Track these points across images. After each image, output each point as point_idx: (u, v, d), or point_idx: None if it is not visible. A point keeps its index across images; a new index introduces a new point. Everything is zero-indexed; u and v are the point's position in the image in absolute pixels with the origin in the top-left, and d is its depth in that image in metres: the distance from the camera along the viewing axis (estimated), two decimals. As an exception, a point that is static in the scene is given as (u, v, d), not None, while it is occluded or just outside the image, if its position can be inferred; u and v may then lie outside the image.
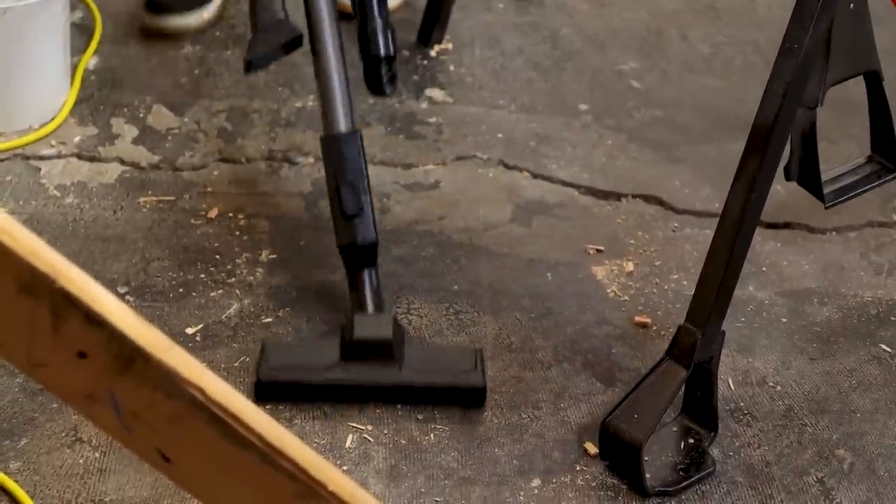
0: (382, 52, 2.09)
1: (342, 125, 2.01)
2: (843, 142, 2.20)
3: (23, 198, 2.18)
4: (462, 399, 1.88)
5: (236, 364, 1.90)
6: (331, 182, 1.99)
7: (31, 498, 1.68)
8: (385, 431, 1.82)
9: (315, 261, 2.10)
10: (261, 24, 2.07)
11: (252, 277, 2.05)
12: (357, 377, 1.88)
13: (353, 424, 1.82)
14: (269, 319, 1.99)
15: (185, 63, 2.53)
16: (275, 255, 2.10)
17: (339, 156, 2.00)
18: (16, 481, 1.70)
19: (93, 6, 2.61)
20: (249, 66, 2.08)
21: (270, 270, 2.07)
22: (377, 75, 2.11)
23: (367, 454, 1.78)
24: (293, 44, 2.07)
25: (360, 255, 1.95)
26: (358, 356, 1.88)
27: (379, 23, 2.08)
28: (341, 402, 1.85)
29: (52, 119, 2.33)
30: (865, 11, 1.79)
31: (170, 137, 2.34)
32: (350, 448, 1.78)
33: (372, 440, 1.79)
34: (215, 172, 2.26)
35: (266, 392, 1.86)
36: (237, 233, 2.13)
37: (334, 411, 1.83)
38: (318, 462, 1.23)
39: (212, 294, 2.01)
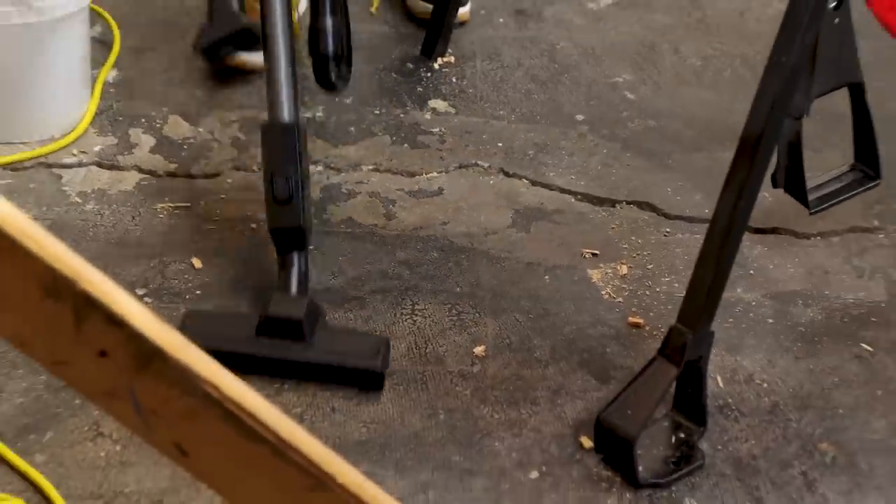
0: (330, 50, 2.14)
1: (284, 115, 2.02)
2: (827, 151, 2.20)
3: (46, 204, 2.19)
4: (361, 381, 1.90)
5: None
6: (266, 168, 2.00)
7: (56, 489, 1.68)
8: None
9: (322, 262, 2.10)
10: (215, 15, 2.07)
11: (261, 278, 2.05)
12: (264, 351, 1.90)
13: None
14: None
15: (199, 75, 2.53)
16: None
17: (277, 144, 2.01)
18: (41, 473, 1.70)
19: (111, 21, 2.61)
20: (204, 52, 2.08)
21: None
22: (325, 72, 2.15)
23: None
24: (243, 36, 2.08)
25: (288, 239, 1.97)
26: (270, 332, 1.89)
27: (329, 21, 2.10)
28: (249, 374, 1.83)
29: (74, 129, 2.34)
30: (849, 26, 1.79)
31: (185, 147, 2.35)
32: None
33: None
34: (229, 180, 2.27)
35: None
36: (249, 236, 2.13)
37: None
38: (328, 455, 1.23)
39: (226, 294, 2.02)
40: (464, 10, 2.69)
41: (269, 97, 2.04)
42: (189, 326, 1.91)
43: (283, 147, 2.01)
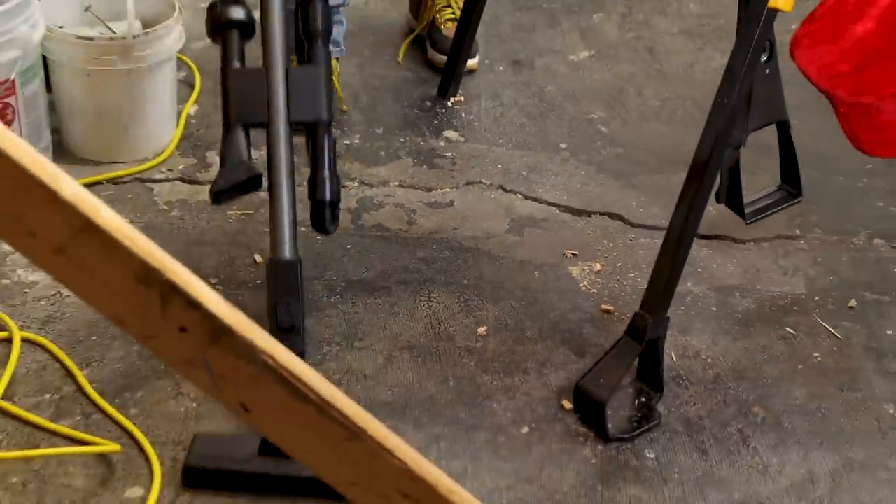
0: (328, 197, 1.90)
1: (286, 252, 1.81)
2: (759, 174, 2.19)
3: (139, 211, 2.19)
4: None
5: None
6: (270, 299, 1.78)
7: (145, 436, 1.69)
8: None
9: (357, 259, 2.10)
10: (227, 161, 1.86)
11: (307, 266, 2.02)
12: (270, 469, 1.66)
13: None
14: (323, 301, 2.00)
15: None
16: (323, 254, 2.10)
17: (280, 278, 1.80)
18: (134, 424, 1.71)
19: (193, 67, 2.61)
20: (214, 197, 1.87)
21: (324, 267, 2.08)
22: (321, 217, 1.91)
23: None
24: (252, 183, 1.87)
25: None
26: (274, 451, 1.52)
27: (327, 173, 1.89)
28: (258, 492, 1.65)
29: (163, 152, 2.33)
30: (778, 76, 1.79)
31: (250, 166, 2.34)
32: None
33: (401, 396, 1.78)
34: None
35: (191, 478, 1.65)
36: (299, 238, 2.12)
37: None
38: (361, 413, 1.22)
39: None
40: (473, 62, 2.68)
41: (273, 236, 1.84)
42: (201, 451, 1.68)
43: (286, 281, 1.80)
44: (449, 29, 2.68)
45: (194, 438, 1.68)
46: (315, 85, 1.92)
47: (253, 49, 1.94)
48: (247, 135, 1.89)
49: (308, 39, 1.98)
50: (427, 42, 2.74)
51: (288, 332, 1.74)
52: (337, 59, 2.55)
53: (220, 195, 1.86)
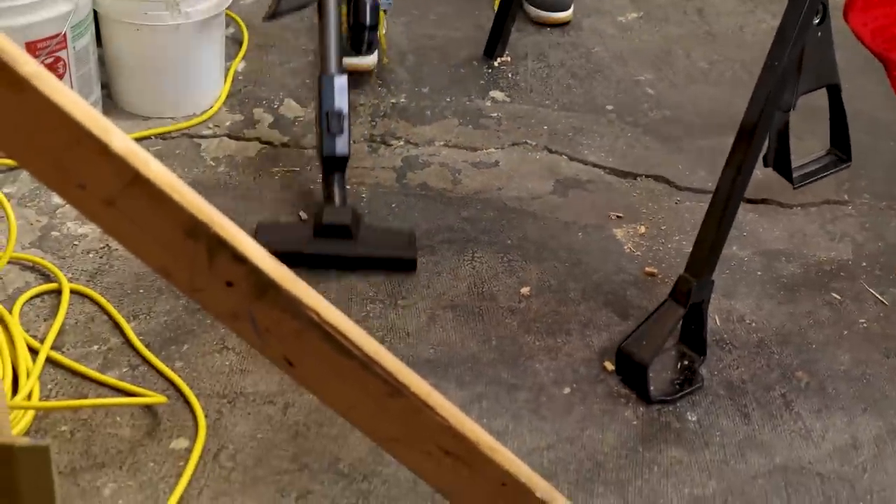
0: (368, 21, 2.30)
1: (333, 69, 2.06)
2: (808, 138, 2.16)
3: (187, 166, 2.20)
4: (399, 267, 1.96)
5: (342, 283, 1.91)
6: (321, 108, 2.03)
7: (190, 389, 1.70)
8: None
9: (402, 217, 2.10)
10: None
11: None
12: (321, 249, 1.94)
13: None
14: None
15: (309, 68, 2.52)
16: (369, 212, 2.10)
17: (329, 90, 2.04)
18: (179, 376, 1.72)
19: (242, 24, 2.61)
20: (272, 16, 2.28)
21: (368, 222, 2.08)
22: (360, 39, 2.33)
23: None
24: (304, 4, 2.29)
25: (336, 164, 2.01)
26: (325, 235, 1.95)
27: (368, 1, 2.30)
28: (313, 268, 1.90)
29: (210, 108, 2.34)
30: (830, 38, 1.76)
31: (296, 123, 2.34)
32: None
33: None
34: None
35: None
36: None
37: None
38: (404, 370, 1.22)
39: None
40: (566, 14, 2.75)
41: (322, 54, 2.08)
42: (261, 237, 1.92)
43: (335, 92, 2.03)
44: None
45: (258, 226, 1.97)
46: None
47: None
48: None
49: None
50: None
51: (338, 136, 2.01)
52: (385, 10, 2.55)
53: (278, 14, 2.28)
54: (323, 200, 2.03)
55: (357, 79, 2.47)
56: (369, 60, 2.47)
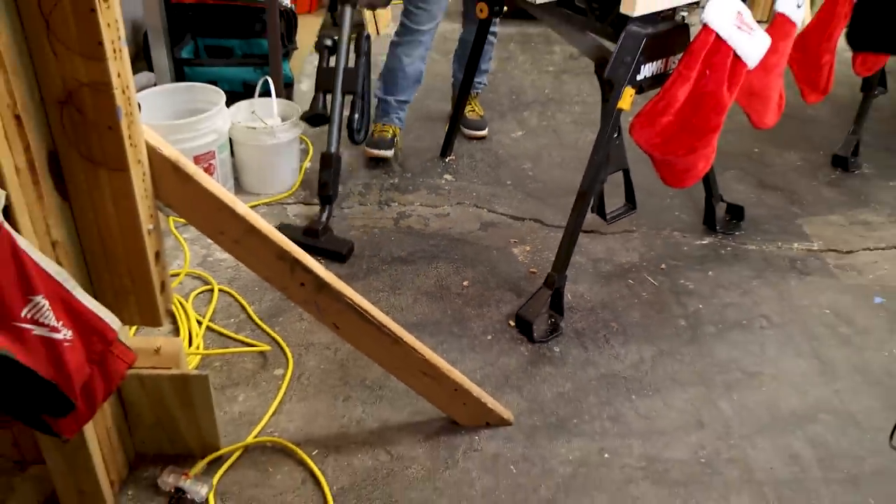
0: (361, 137, 2.17)
1: (332, 149, 1.97)
2: (614, 197, 2.17)
3: (279, 221, 2.16)
4: (336, 258, 1.89)
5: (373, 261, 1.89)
6: (320, 172, 1.97)
7: (284, 342, 1.68)
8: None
9: (397, 245, 2.07)
10: (311, 107, 2.09)
11: (368, 251, 2.01)
12: (309, 242, 1.91)
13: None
14: (377, 268, 1.97)
15: (356, 162, 2.50)
16: (378, 242, 2.07)
17: (326, 162, 1.97)
18: (278, 335, 1.71)
19: (308, 142, 2.57)
20: (307, 121, 2.11)
21: (378, 248, 2.05)
22: (353, 137, 2.15)
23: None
24: (322, 118, 2.09)
25: (324, 199, 2.02)
26: (308, 234, 1.93)
27: (364, 118, 2.17)
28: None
29: (290, 189, 2.31)
30: (622, 144, 1.78)
31: (345, 202, 2.32)
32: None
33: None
34: (356, 207, 2.24)
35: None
36: (363, 241, 2.11)
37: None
38: (401, 330, 1.22)
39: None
40: (482, 132, 2.63)
41: (329, 139, 1.98)
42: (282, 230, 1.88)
43: (330, 163, 1.96)
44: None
45: (278, 226, 1.90)
46: (356, 75, 2.07)
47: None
48: (323, 96, 2.08)
49: (357, 57, 2.13)
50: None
51: (325, 187, 1.94)
52: (400, 129, 2.49)
53: (308, 120, 2.10)
54: (315, 219, 2.01)
55: (378, 163, 2.44)
56: (389, 153, 2.42)
